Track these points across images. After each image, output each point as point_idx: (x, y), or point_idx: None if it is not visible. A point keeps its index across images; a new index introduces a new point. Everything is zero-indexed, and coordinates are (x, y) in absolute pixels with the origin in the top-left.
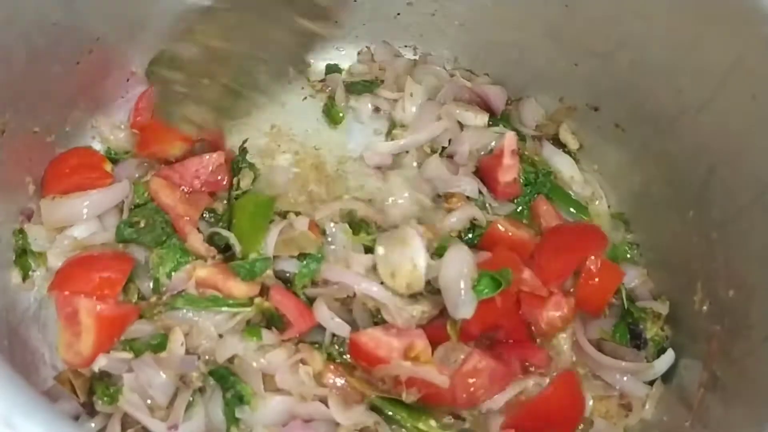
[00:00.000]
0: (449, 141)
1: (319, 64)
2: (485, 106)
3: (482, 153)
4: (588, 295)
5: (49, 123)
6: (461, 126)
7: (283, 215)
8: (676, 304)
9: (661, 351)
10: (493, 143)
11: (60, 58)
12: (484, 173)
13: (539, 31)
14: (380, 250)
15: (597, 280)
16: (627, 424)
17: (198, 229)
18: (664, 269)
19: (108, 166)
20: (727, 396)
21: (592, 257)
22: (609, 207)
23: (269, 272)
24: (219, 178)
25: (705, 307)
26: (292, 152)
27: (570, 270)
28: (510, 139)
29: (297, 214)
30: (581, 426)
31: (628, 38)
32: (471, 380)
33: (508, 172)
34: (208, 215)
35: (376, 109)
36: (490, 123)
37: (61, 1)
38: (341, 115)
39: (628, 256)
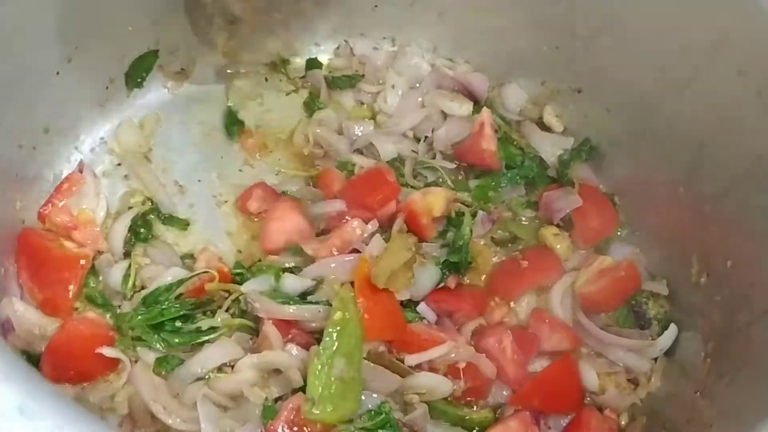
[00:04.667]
0: (432, 131)
1: (298, 60)
2: (468, 94)
3: (459, 140)
4: (606, 298)
5: (32, 135)
6: (445, 116)
7: None
8: (674, 279)
9: (665, 328)
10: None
11: (41, 68)
12: (462, 157)
13: (519, 15)
14: None
15: (618, 285)
16: (636, 397)
17: None
18: (657, 246)
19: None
20: (733, 365)
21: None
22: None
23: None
24: None
25: (703, 280)
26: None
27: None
28: (487, 112)
29: None
30: (591, 396)
31: (610, 18)
32: None
33: (491, 141)
34: None
35: (360, 103)
36: (474, 111)
37: (42, 9)
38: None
39: (619, 234)
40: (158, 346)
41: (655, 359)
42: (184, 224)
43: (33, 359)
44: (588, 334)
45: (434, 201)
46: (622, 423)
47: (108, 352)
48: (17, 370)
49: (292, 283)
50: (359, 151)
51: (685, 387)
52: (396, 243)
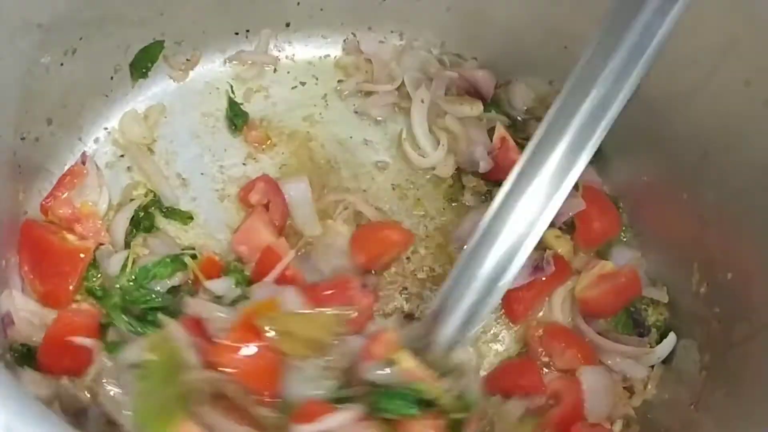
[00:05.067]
0: None
1: (304, 51)
2: (474, 91)
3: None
4: (605, 304)
5: (35, 126)
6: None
7: None
8: (674, 286)
9: (663, 335)
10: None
11: (44, 60)
12: (493, 176)
13: (528, 13)
14: None
15: (618, 291)
16: (631, 405)
17: None
18: (659, 251)
19: None
20: (729, 379)
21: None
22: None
23: None
24: None
25: (703, 289)
26: (284, 144)
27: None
28: (500, 124)
29: None
30: None
31: None
32: None
33: (516, 151)
34: None
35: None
36: None
37: (46, 1)
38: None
39: (622, 239)
40: (123, 328)
41: (652, 367)
42: (186, 217)
43: (32, 352)
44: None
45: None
46: (615, 430)
47: (79, 340)
48: (5, 389)
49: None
50: None
51: (680, 396)
52: (317, 319)
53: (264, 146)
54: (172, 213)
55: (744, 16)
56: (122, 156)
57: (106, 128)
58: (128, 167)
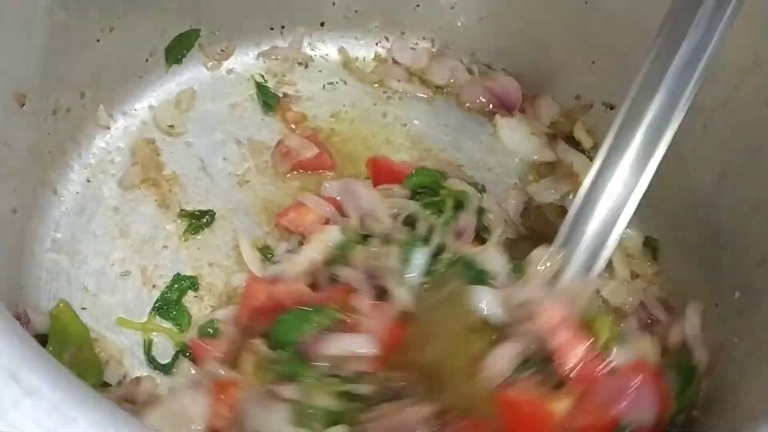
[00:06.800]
0: None
1: (336, 51)
2: (501, 102)
3: None
4: None
5: (67, 101)
6: None
7: None
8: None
9: None
10: None
11: (81, 34)
12: None
13: (558, 27)
14: None
15: None
16: None
17: None
18: (672, 270)
19: None
20: (725, 395)
21: None
22: None
23: None
24: None
25: (712, 311)
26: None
27: None
28: None
29: None
30: None
31: (646, 36)
32: None
33: None
34: None
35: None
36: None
37: None
38: None
39: None
40: None
41: None
42: None
43: None
44: None
45: None
46: None
47: None
48: (10, 337)
49: None
50: None
51: None
52: None
53: (303, 125)
54: None
55: None
56: (150, 137)
57: (136, 109)
58: (154, 148)
